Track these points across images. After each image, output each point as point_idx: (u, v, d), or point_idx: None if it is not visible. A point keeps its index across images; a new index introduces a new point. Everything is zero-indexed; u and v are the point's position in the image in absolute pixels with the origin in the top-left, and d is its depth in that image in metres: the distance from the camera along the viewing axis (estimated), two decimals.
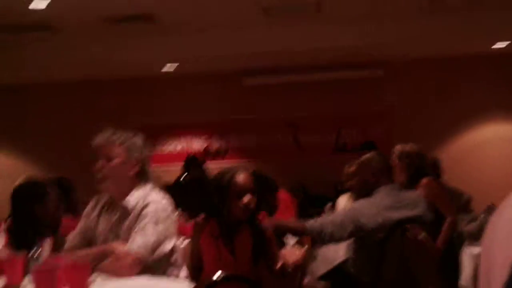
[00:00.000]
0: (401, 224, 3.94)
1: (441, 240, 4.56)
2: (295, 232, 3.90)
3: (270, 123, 10.95)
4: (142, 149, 3.34)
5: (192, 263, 3.24)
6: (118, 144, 3.27)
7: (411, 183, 5.04)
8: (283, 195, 5.64)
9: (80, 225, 3.45)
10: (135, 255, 3.01)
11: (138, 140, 3.35)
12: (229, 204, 3.17)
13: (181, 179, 9.44)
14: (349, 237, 4.04)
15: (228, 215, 3.18)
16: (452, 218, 4.66)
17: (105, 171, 3.24)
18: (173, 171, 9.80)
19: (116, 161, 3.25)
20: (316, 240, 3.97)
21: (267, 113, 10.88)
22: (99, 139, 3.30)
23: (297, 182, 10.00)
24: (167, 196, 3.34)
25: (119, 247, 3.07)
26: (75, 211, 5.08)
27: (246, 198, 3.16)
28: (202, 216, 3.34)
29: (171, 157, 10.93)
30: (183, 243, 3.71)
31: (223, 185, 3.19)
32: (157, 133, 10.93)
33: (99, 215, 3.36)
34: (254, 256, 3.12)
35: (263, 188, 4.89)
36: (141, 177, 3.32)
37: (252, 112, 10.89)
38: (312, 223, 3.93)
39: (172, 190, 7.44)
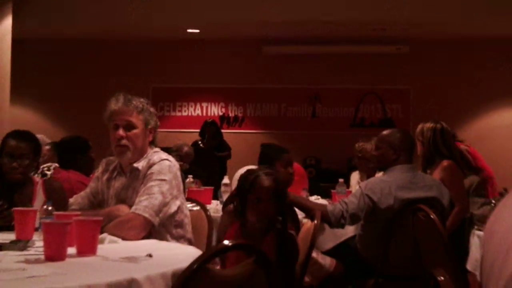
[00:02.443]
0: (413, 204, 3.94)
1: (447, 227, 4.55)
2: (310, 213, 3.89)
3: (288, 94, 10.95)
4: (155, 117, 3.39)
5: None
6: (137, 113, 3.28)
7: (427, 163, 5.01)
8: (296, 167, 5.65)
9: (90, 187, 3.51)
10: (142, 217, 3.04)
11: (152, 108, 3.38)
12: (248, 208, 3.08)
13: (200, 144, 9.53)
14: (364, 218, 4.06)
15: (247, 220, 3.10)
16: (460, 207, 4.64)
17: (125, 141, 3.26)
18: (189, 135, 9.87)
19: (136, 131, 3.27)
20: (334, 225, 3.98)
21: (286, 83, 10.88)
22: (116, 105, 3.29)
23: (311, 156, 10.04)
24: (171, 157, 3.37)
25: (126, 209, 3.11)
26: (90, 170, 5.14)
27: (264, 205, 3.05)
28: (231, 206, 3.28)
29: (188, 121, 10.97)
30: (192, 208, 3.76)
31: (245, 187, 3.10)
32: (174, 96, 10.99)
33: (109, 179, 3.41)
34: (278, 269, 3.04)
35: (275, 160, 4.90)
36: (151, 144, 3.39)
37: (271, 82, 10.89)
38: (332, 210, 3.93)
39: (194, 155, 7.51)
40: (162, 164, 3.22)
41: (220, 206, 5.23)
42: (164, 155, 3.33)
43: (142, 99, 3.35)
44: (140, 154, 3.31)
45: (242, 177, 3.18)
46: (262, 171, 3.15)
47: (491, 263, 0.92)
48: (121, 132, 3.25)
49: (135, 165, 3.27)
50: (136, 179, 3.25)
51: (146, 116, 3.30)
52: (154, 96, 10.68)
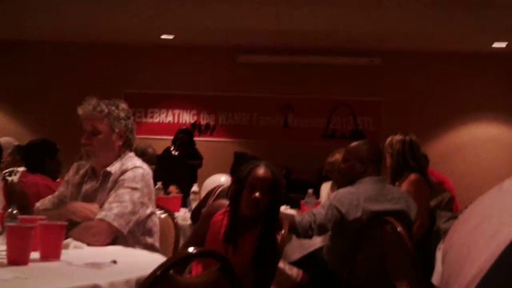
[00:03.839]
0: (381, 216, 3.97)
1: None
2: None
3: (261, 103, 10.97)
4: (126, 121, 3.38)
5: (191, 240, 3.28)
6: (102, 118, 3.30)
7: (395, 175, 5.05)
8: None
9: (59, 190, 3.50)
10: (110, 224, 3.03)
11: (122, 111, 3.37)
12: (242, 196, 3.18)
13: (172, 151, 9.50)
14: (332, 229, 4.07)
15: (238, 209, 3.20)
16: (421, 221, 4.69)
17: (89, 147, 3.29)
18: (160, 142, 9.84)
19: (101, 136, 3.29)
20: (301, 236, 3.99)
21: (259, 92, 10.90)
22: (83, 110, 3.33)
23: (282, 165, 10.03)
24: (145, 163, 3.38)
25: (94, 210, 3.11)
26: (57, 174, 5.10)
27: (257, 193, 3.14)
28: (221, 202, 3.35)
29: (160, 128, 10.94)
30: (161, 215, 3.75)
31: (242, 175, 3.21)
32: (146, 102, 10.95)
33: (79, 183, 3.40)
34: (255, 261, 3.09)
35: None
36: (125, 147, 3.39)
37: (244, 90, 10.91)
38: (300, 220, 3.94)
39: (161, 162, 7.50)
40: (136, 172, 3.23)
41: (188, 214, 5.23)
42: (138, 161, 3.34)
43: (112, 102, 3.36)
44: (112, 158, 3.31)
45: (242, 167, 3.29)
46: (263, 162, 3.26)
47: (447, 277, 0.94)
48: (83, 139, 3.30)
49: (107, 169, 3.28)
50: (106, 183, 3.26)
51: (112, 120, 3.31)
52: (126, 101, 10.54)
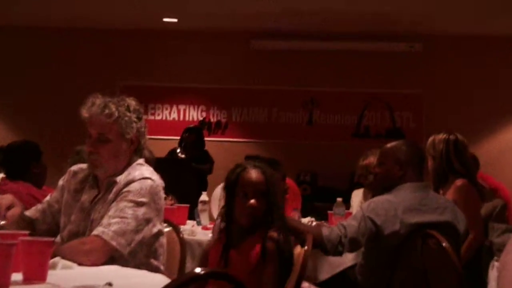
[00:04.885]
0: (422, 229, 3.95)
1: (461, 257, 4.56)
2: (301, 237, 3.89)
3: (280, 97, 10.97)
4: (138, 124, 3.34)
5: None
6: (112, 123, 3.25)
7: (438, 181, 5.03)
8: (288, 183, 5.66)
9: (52, 196, 3.48)
10: (107, 242, 3.01)
11: (134, 113, 3.33)
12: (235, 205, 3.19)
13: (178, 154, 9.50)
14: (365, 245, 4.05)
15: (233, 221, 3.21)
16: (475, 235, 4.66)
17: (96, 156, 3.25)
18: (163, 143, 9.84)
19: (109, 145, 3.26)
20: (330, 253, 3.98)
21: (278, 84, 10.89)
22: (88, 112, 3.28)
23: (306, 170, 10.03)
24: (155, 173, 3.34)
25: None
26: (42, 181, 5.10)
27: (251, 200, 3.14)
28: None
29: (162, 127, 10.96)
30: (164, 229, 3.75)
31: (231, 180, 3.21)
32: (146, 97, 10.94)
33: (77, 190, 3.38)
34: (254, 274, 3.08)
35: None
36: (136, 152, 3.38)
37: (260, 82, 10.90)
38: (328, 234, 3.92)
39: (163, 166, 7.48)
40: (143, 184, 3.20)
41: (196, 227, 5.22)
42: (147, 171, 3.31)
43: (123, 103, 3.32)
44: (120, 167, 3.30)
45: (231, 170, 3.27)
46: (250, 163, 3.25)
47: None
48: (88, 146, 3.27)
49: (113, 178, 3.26)
50: (109, 193, 3.24)
51: (123, 125, 3.26)
52: (122, 95, 10.62)
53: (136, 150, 3.37)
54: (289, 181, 5.84)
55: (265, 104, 11.02)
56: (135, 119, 3.32)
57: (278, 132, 10.95)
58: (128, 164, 3.33)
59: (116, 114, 3.26)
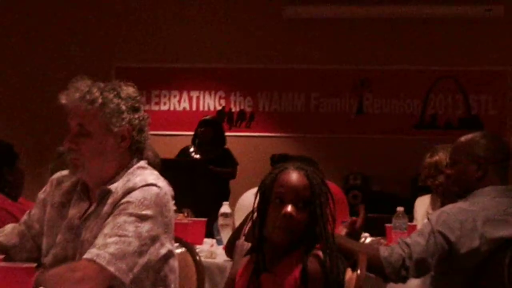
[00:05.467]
0: (510, 246, 3.94)
1: None
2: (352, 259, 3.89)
3: (322, 79, 10.98)
4: (131, 115, 3.31)
5: None
6: (95, 112, 3.23)
7: None
8: (333, 188, 5.65)
9: (31, 213, 3.48)
10: (103, 268, 3.00)
11: (125, 101, 3.31)
12: (268, 216, 3.10)
13: (192, 154, 9.54)
14: (435, 267, 4.04)
15: (267, 233, 3.12)
16: None
17: (75, 154, 3.24)
18: (171, 140, 9.89)
19: (91, 139, 3.24)
20: (390, 278, 3.97)
21: (319, 62, 10.88)
22: (67, 98, 3.26)
23: (355, 172, 10.02)
24: (162, 179, 3.32)
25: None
26: (18, 191, 5.14)
27: (288, 207, 3.06)
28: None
29: (170, 119, 11.00)
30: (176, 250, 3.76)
31: (266, 185, 3.15)
32: (147, 81, 10.96)
33: (62, 204, 3.37)
34: None
35: None
36: (133, 152, 3.35)
37: (296, 60, 10.89)
38: (388, 255, 3.90)
39: (173, 169, 7.48)
40: (147, 192, 3.18)
41: (216, 247, 5.23)
42: (151, 176, 3.28)
43: (111, 87, 3.31)
44: (110, 170, 3.29)
45: (266, 175, 3.20)
46: (293, 164, 3.18)
47: None
48: (67, 141, 3.26)
49: (108, 186, 3.25)
50: (103, 205, 3.22)
51: (107, 115, 3.24)
52: (118, 79, 10.67)
53: (134, 150, 3.34)
54: (333, 187, 5.83)
55: (301, 88, 11.03)
56: (125, 108, 3.29)
57: (319, 124, 10.97)
58: (125, 167, 3.31)
59: (100, 100, 3.23)
